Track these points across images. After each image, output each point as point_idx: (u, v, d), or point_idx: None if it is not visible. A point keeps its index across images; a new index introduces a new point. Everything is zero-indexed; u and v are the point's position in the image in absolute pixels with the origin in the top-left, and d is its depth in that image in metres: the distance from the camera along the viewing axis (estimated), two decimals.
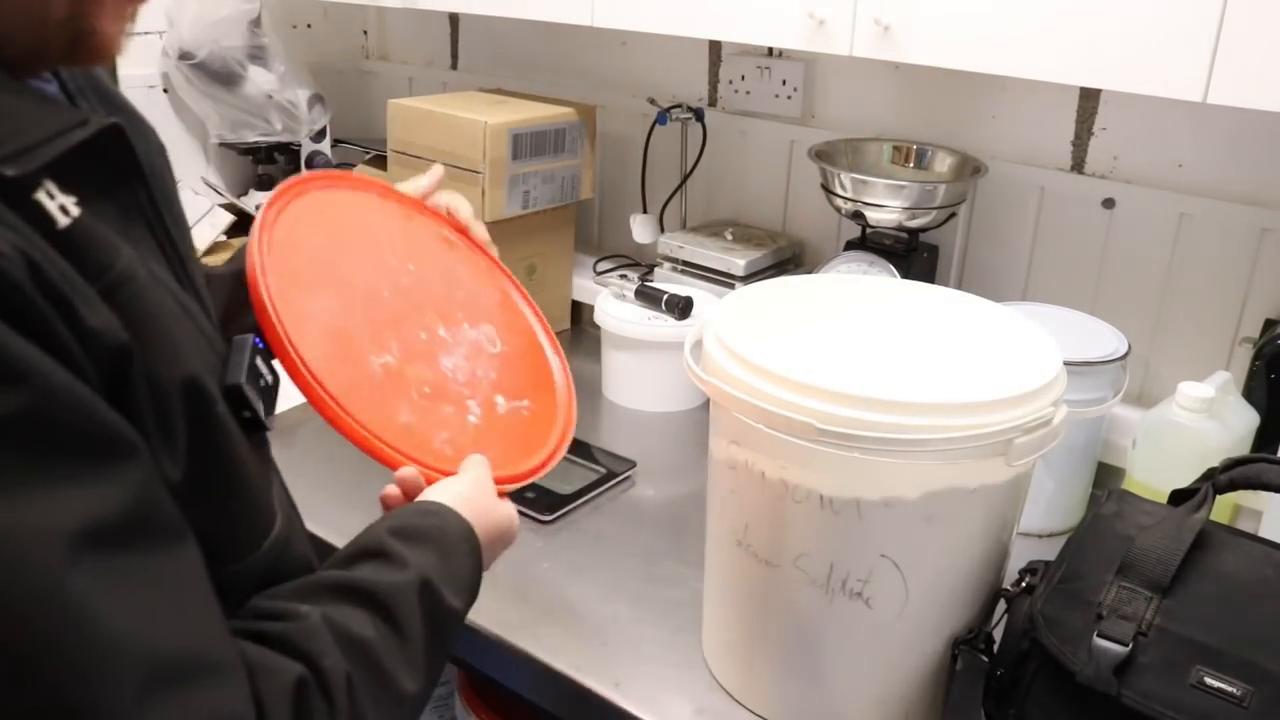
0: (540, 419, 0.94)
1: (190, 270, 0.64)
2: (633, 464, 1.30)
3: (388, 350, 0.84)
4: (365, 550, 0.68)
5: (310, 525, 1.08)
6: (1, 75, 0.52)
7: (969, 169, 1.41)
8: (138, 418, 0.52)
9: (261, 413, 0.63)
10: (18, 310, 0.46)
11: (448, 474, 0.80)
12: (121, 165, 0.57)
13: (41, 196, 0.50)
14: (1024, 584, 0.84)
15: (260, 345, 0.66)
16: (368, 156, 1.85)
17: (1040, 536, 1.20)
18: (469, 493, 0.77)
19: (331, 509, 1.08)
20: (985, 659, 0.83)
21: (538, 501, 1.21)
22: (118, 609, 0.47)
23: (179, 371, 0.55)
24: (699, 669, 0.98)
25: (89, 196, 0.53)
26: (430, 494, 0.77)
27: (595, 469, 1.29)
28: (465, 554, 0.72)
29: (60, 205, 0.50)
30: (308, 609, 0.61)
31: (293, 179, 0.87)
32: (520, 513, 1.12)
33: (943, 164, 1.45)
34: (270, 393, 0.66)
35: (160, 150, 0.67)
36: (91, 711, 0.46)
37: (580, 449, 1.33)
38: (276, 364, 0.70)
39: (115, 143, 0.55)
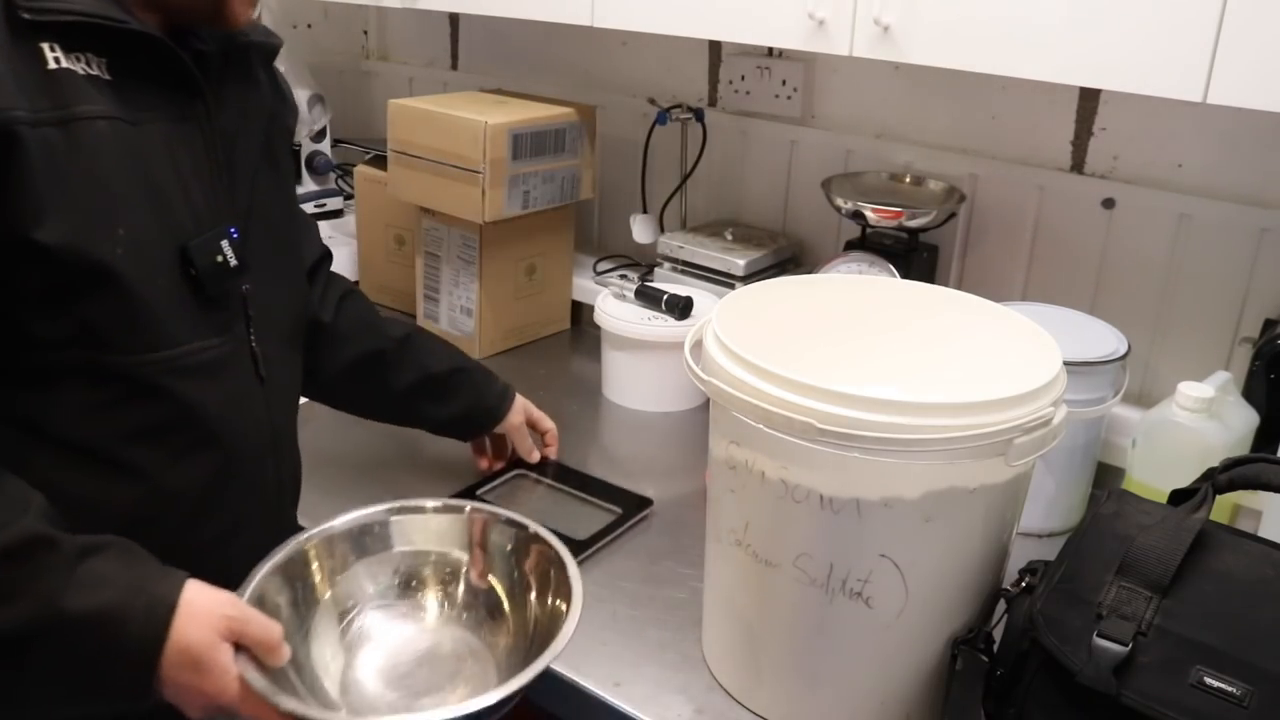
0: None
1: (229, 183, 0.85)
2: (649, 502, 1.21)
3: None
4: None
5: (303, 520, 1.08)
6: None
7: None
8: (12, 186, 0.69)
9: (203, 275, 0.80)
10: None
11: None
12: (175, 75, 0.79)
13: (42, 45, 0.71)
14: (1024, 584, 0.84)
15: (235, 235, 0.83)
16: (368, 156, 1.85)
17: (1040, 536, 1.20)
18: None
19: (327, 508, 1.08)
20: (985, 659, 0.83)
21: None
22: None
23: (95, 201, 0.73)
24: (699, 669, 0.98)
25: (117, 69, 0.75)
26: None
27: (610, 509, 1.19)
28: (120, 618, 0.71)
29: (55, 56, 0.72)
30: None
31: None
32: None
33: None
34: (224, 271, 0.82)
35: (267, 111, 0.91)
36: None
37: (594, 485, 1.24)
38: (237, 253, 0.84)
39: (160, 53, 0.77)
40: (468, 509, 0.91)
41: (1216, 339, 1.33)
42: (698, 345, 0.91)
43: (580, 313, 1.79)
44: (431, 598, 0.88)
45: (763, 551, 0.86)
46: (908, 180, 1.49)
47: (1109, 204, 1.36)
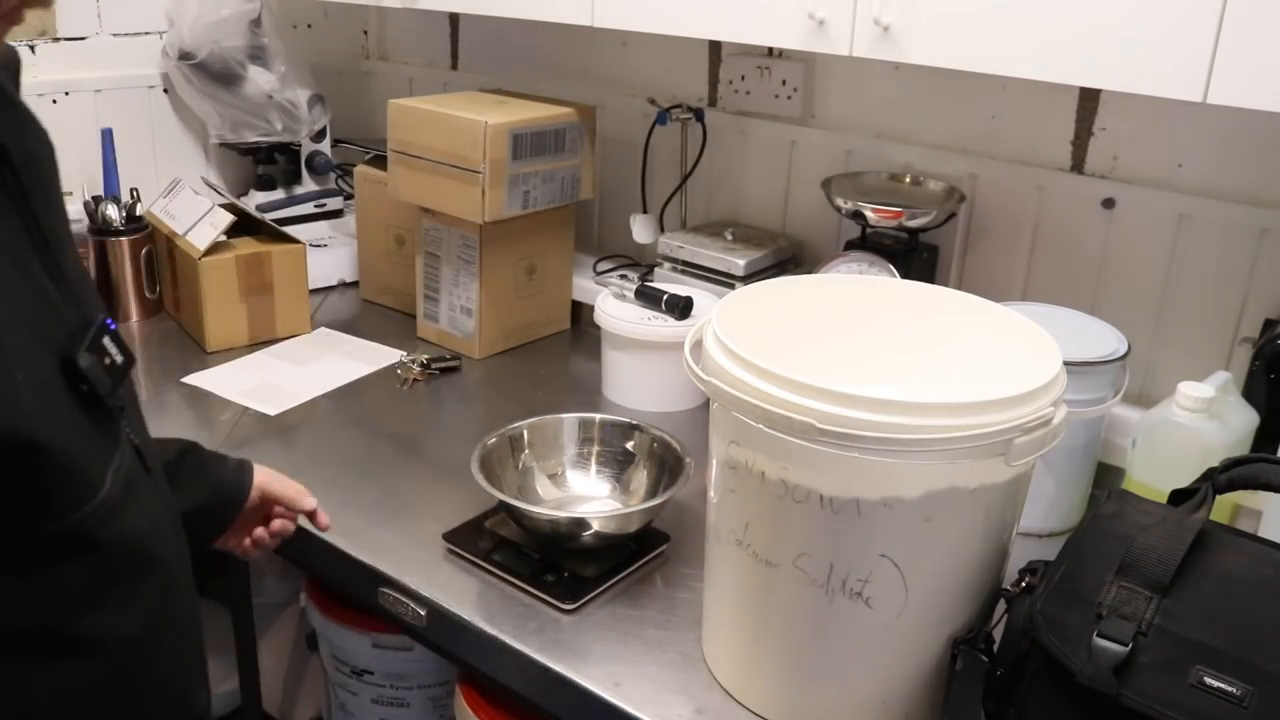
0: None
1: (57, 255, 0.67)
2: (666, 538, 1.16)
3: None
4: None
5: (304, 521, 1.08)
6: None
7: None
8: None
9: (100, 388, 0.64)
10: None
11: None
12: None
13: None
14: (1024, 584, 0.84)
15: (112, 327, 0.68)
16: (368, 157, 1.85)
17: (1040, 536, 1.20)
18: None
19: (327, 507, 1.08)
20: (985, 659, 0.83)
21: (558, 586, 1.08)
22: None
23: None
24: (699, 669, 0.98)
25: None
26: None
27: (625, 543, 1.14)
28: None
29: None
30: None
31: None
32: (539, 599, 1.07)
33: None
34: (118, 371, 0.67)
35: (47, 148, 0.72)
36: None
37: None
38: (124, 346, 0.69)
39: None
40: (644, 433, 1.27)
41: (1216, 339, 1.33)
42: (698, 345, 0.91)
43: (580, 313, 1.79)
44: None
45: (763, 551, 0.86)
46: (908, 180, 1.49)
47: (1109, 204, 1.36)
